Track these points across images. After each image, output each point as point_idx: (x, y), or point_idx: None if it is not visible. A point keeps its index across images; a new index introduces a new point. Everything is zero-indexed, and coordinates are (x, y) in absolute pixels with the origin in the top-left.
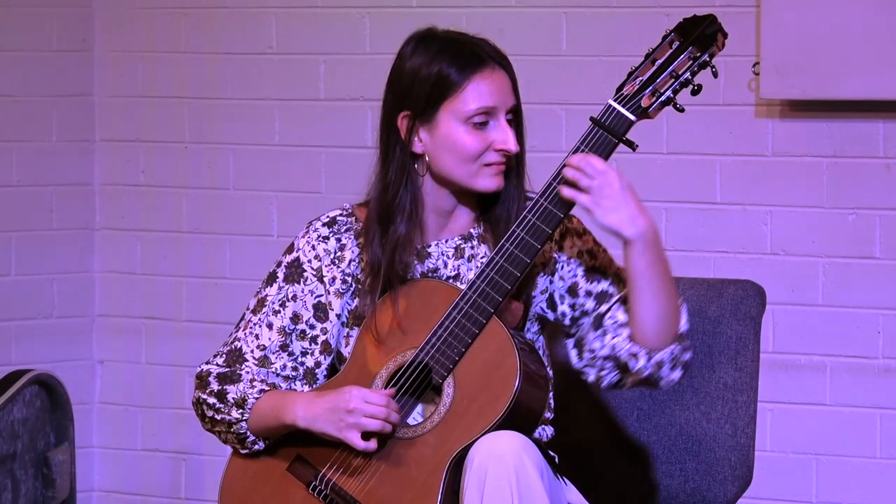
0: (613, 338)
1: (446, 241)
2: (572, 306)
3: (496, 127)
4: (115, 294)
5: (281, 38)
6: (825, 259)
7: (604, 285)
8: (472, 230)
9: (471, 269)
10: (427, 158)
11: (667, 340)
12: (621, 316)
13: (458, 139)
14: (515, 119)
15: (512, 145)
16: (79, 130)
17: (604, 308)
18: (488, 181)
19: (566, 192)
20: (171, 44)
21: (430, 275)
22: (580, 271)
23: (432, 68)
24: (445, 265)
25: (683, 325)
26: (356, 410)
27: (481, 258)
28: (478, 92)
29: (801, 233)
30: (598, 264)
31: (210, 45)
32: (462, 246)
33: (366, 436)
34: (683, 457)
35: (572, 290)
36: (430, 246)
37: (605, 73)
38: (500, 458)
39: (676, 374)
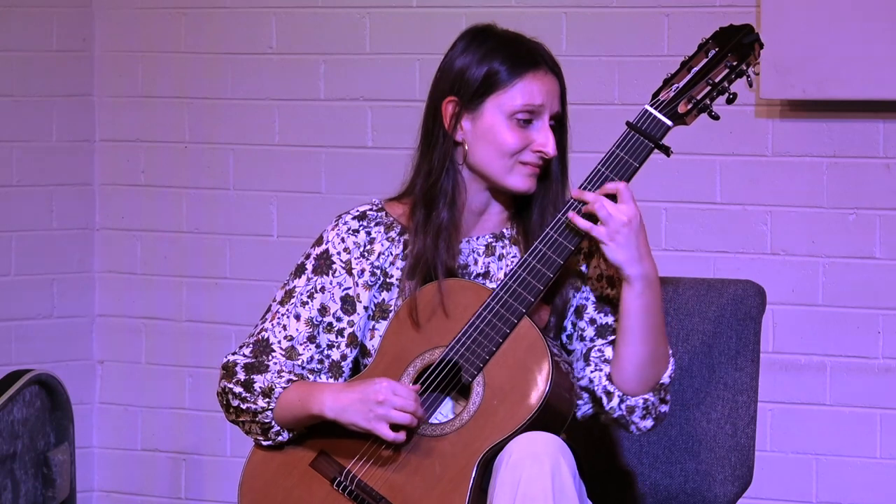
0: (594, 371)
1: (477, 239)
2: (573, 324)
3: (538, 128)
4: (115, 294)
5: (281, 38)
6: (825, 259)
7: (609, 319)
8: (504, 230)
9: (501, 269)
10: (466, 148)
11: (644, 388)
12: (608, 352)
13: (499, 132)
14: (559, 128)
15: (550, 149)
16: (79, 130)
17: (599, 342)
18: (520, 181)
19: (580, 222)
20: (171, 44)
21: (460, 271)
22: (593, 296)
23: (486, 61)
24: (476, 262)
25: (666, 377)
26: (386, 402)
27: (512, 258)
28: (527, 90)
29: (801, 233)
30: (612, 295)
31: (210, 45)
32: (493, 244)
33: (394, 428)
34: (683, 457)
35: (579, 311)
36: (460, 242)
37: (605, 73)
38: (538, 458)
39: (648, 423)
